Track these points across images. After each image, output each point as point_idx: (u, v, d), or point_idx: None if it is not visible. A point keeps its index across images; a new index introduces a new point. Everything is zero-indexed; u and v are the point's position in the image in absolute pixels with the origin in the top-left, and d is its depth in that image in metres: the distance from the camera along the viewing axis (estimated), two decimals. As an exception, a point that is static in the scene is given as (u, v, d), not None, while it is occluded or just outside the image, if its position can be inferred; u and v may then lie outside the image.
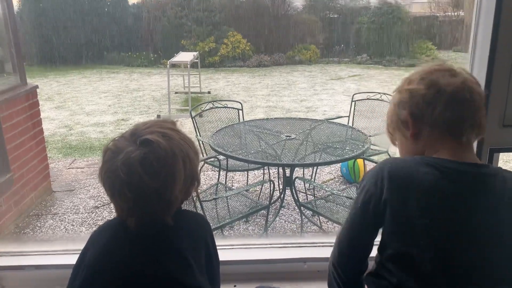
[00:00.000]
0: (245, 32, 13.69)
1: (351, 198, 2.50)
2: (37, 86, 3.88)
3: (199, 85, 9.25)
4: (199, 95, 9.05)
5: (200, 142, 3.44)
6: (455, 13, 18.33)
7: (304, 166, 3.23)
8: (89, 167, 4.79)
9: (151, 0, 14.88)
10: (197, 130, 3.59)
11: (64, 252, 1.54)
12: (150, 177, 0.91)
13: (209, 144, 2.89)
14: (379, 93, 4.01)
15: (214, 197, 2.57)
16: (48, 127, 6.67)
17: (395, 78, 10.71)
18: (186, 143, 1.00)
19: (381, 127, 4.06)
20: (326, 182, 4.14)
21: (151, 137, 0.94)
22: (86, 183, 4.31)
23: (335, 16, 15.33)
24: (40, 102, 8.26)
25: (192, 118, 3.58)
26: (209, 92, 9.29)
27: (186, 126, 6.53)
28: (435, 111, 1.00)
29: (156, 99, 8.71)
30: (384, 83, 10.08)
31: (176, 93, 9.10)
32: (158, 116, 7.22)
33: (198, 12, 13.69)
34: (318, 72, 12.10)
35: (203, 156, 3.66)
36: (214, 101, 3.87)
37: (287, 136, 3.03)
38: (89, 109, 7.82)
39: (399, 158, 1.06)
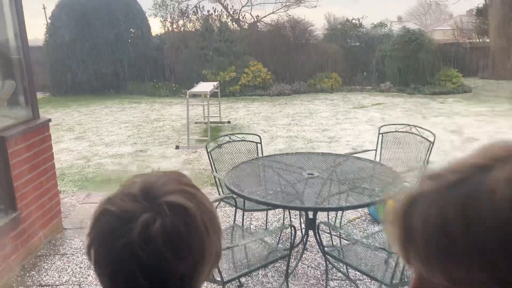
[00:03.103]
0: (266, 61, 13.67)
1: (383, 249, 2.21)
2: (49, 120, 3.76)
3: (219, 115, 9.13)
4: (219, 125, 8.92)
5: (216, 179, 3.23)
6: (480, 40, 18.02)
7: (328, 210, 2.96)
8: (103, 202, 4.61)
9: (173, 31, 15.09)
10: (213, 166, 3.38)
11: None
12: (179, 259, 0.64)
13: (225, 184, 2.66)
14: (408, 125, 3.74)
15: (228, 245, 2.33)
16: (66, 159, 6.60)
17: (421, 107, 10.38)
18: (211, 205, 0.73)
19: (410, 160, 3.78)
20: (352, 221, 3.84)
21: (177, 200, 0.66)
22: (98, 220, 4.12)
23: (357, 44, 15.21)
24: (61, 133, 8.33)
25: (208, 153, 3.38)
26: (229, 122, 9.15)
27: (205, 157, 6.35)
28: None
29: (176, 129, 8.61)
30: (409, 112, 9.75)
31: (196, 123, 8.99)
32: (177, 147, 7.07)
33: (219, 42, 13.77)
34: (340, 100, 11.87)
35: (219, 193, 3.44)
36: (231, 134, 3.67)
37: (309, 174, 2.79)
38: (108, 140, 7.75)
39: None
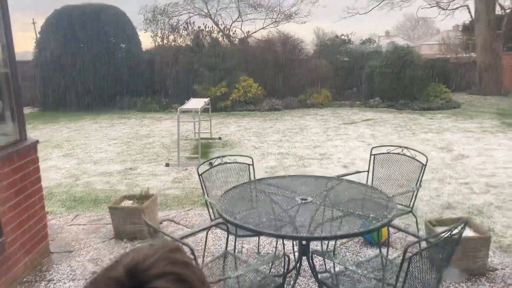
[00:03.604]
0: (257, 77, 13.71)
1: (379, 280, 2.17)
2: (37, 142, 3.69)
3: (209, 131, 9.09)
4: (210, 141, 8.88)
5: (208, 203, 3.18)
6: (467, 55, 18.33)
7: (322, 239, 2.92)
8: (91, 224, 4.52)
9: (164, 46, 15.09)
10: (204, 188, 3.33)
11: None
12: None
13: (217, 211, 2.61)
14: (400, 146, 3.74)
15: (221, 278, 2.27)
16: (54, 177, 6.49)
17: (410, 123, 10.45)
18: (203, 283, 0.67)
19: (402, 179, 3.76)
20: (345, 243, 3.80)
21: (165, 286, 0.61)
22: (87, 243, 4.03)
23: (346, 59, 15.35)
24: (49, 150, 8.22)
25: (199, 175, 3.33)
26: (219, 138, 9.11)
27: (195, 175, 6.29)
28: None
29: (166, 145, 8.54)
30: (399, 128, 9.81)
31: (186, 139, 8.94)
32: (167, 164, 6.99)
33: (210, 57, 13.79)
34: (331, 115, 11.92)
35: (210, 215, 3.38)
36: (223, 156, 3.63)
37: (302, 199, 2.75)
38: (97, 157, 7.65)
39: None
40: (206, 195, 3.26)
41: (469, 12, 17.00)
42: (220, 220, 2.76)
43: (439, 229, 3.39)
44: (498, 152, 7.32)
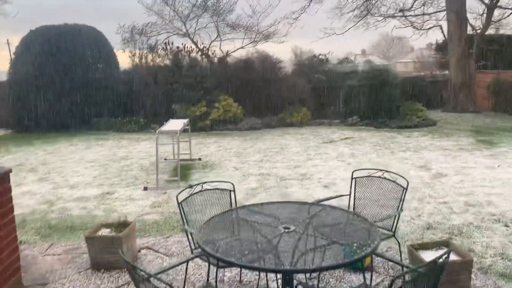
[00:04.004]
0: (236, 96, 13.72)
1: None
2: (10, 170, 3.55)
3: (189, 152, 8.99)
4: (190, 162, 8.77)
5: (189, 233, 3.10)
6: (440, 72, 18.83)
7: (306, 272, 2.87)
8: (67, 253, 4.35)
9: (142, 65, 15.00)
10: (184, 218, 3.25)
11: None
12: None
13: (198, 243, 2.54)
14: (381, 170, 3.75)
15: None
16: (28, 203, 6.28)
17: (388, 141, 10.58)
18: None
19: (384, 199, 3.76)
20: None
21: None
22: (62, 275, 3.88)
23: (324, 78, 15.52)
24: (23, 174, 7.98)
25: (178, 204, 3.25)
26: (199, 159, 9.02)
27: (175, 199, 6.18)
28: None
29: (144, 168, 8.39)
30: (377, 147, 9.91)
31: (165, 159, 8.81)
32: (145, 188, 6.86)
33: (189, 77, 13.75)
34: (310, 134, 11.98)
35: (191, 246, 3.30)
36: (204, 183, 3.57)
37: (285, 228, 2.70)
38: (73, 182, 7.45)
39: None
40: (186, 225, 3.18)
41: (442, 31, 17.51)
42: (201, 251, 2.69)
43: (422, 253, 3.39)
44: (475, 170, 7.44)
